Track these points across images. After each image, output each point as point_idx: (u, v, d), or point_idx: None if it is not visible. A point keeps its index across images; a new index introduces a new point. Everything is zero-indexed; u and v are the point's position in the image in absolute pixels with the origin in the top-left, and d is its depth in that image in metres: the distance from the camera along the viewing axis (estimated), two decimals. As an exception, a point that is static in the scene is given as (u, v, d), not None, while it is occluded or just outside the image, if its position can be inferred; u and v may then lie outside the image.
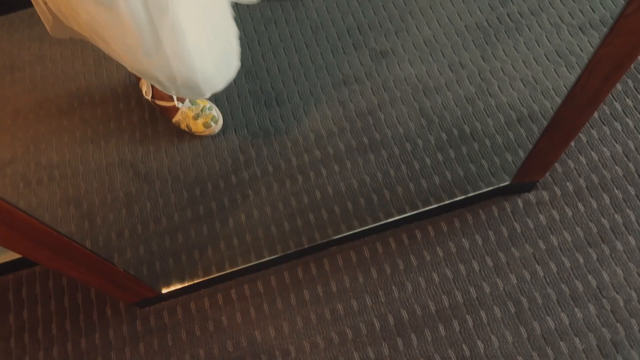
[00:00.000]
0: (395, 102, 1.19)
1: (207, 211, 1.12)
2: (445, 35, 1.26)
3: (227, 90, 1.24)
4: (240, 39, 1.31)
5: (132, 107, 1.25)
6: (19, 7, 1.43)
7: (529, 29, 1.25)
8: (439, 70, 1.22)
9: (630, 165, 1.08)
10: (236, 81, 1.25)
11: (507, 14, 1.27)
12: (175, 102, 1.15)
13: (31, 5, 1.46)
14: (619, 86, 1.16)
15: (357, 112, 1.19)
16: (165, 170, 1.17)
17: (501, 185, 1.05)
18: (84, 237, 1.11)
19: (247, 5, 1.32)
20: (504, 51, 1.23)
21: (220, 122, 1.18)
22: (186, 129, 1.18)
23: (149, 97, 1.15)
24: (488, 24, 1.27)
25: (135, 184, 1.16)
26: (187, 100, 1.17)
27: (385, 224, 1.05)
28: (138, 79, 1.17)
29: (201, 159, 1.17)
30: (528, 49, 1.22)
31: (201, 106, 1.17)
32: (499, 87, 1.18)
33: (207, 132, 1.17)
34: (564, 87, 1.16)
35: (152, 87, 1.14)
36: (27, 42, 1.39)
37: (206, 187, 1.14)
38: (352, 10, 1.32)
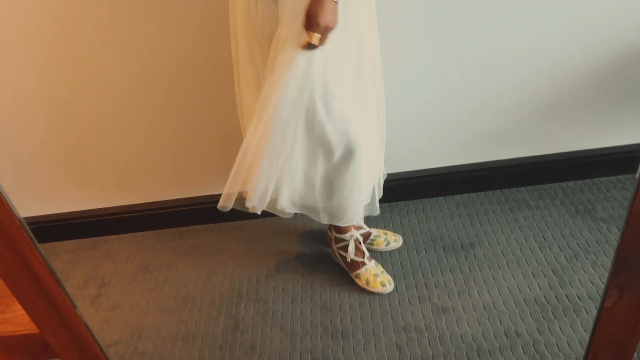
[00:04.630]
0: (449, 356, 1.27)
1: None
2: (504, 304, 1.39)
3: (302, 318, 1.44)
4: (319, 273, 1.56)
5: (222, 318, 1.48)
6: (160, 226, 1.87)
7: (587, 312, 1.33)
8: (494, 335, 1.31)
9: None
10: (311, 310, 1.45)
11: (566, 295, 1.38)
12: (365, 260, 1.50)
13: (165, 226, 1.88)
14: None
15: (412, 359, 1.28)
16: (233, 377, 1.31)
17: None
18: None
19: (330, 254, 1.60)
20: (560, 328, 1.30)
21: (392, 286, 1.48)
22: (364, 283, 1.47)
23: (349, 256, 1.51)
24: (546, 300, 1.38)
25: (204, 385, 1.31)
26: (373, 261, 1.51)
27: None
28: (329, 242, 1.58)
29: (265, 373, 1.31)
30: (585, 331, 1.28)
31: (381, 269, 1.50)
32: (552, 361, 1.23)
33: (380, 290, 1.46)
34: (620, 374, 1.17)
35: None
36: (163, 252, 1.78)
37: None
38: (423, 268, 1.53)
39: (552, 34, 1.50)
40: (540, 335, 1.29)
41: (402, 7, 1.45)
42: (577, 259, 1.49)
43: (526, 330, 1.31)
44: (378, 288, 1.46)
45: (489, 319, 1.35)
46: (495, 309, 1.38)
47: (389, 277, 1.49)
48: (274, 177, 1.23)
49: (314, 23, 1.05)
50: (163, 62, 1.53)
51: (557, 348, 1.25)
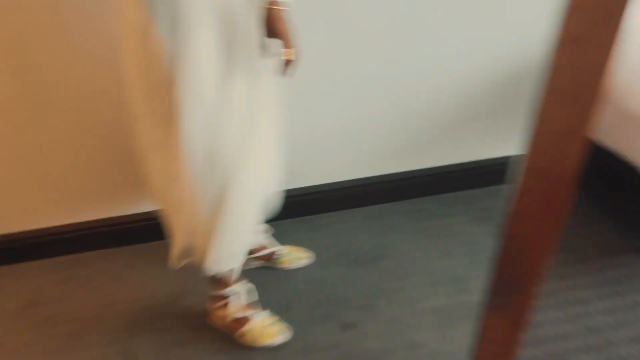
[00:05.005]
0: (352, 375, 1.25)
1: None
2: (407, 315, 1.38)
3: (203, 346, 1.36)
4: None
5: (115, 356, 1.37)
6: (50, 255, 1.73)
7: (485, 318, 1.35)
8: (397, 348, 1.30)
9: None
10: (211, 339, 1.38)
11: (466, 303, 1.41)
12: (250, 314, 1.32)
13: (56, 254, 1.74)
14: None
15: (315, 380, 1.25)
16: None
17: None
18: None
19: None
20: (460, 337, 1.31)
21: (288, 334, 1.34)
22: (251, 341, 1.31)
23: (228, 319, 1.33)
24: (447, 309, 1.39)
25: None
26: (262, 312, 1.35)
27: None
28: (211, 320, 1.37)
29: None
30: (483, 337, 1.30)
31: (273, 319, 1.34)
32: (452, 371, 1.23)
33: (269, 342, 1.31)
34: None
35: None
36: (54, 283, 1.63)
37: None
38: (330, 284, 1.50)
39: (449, 55, 1.54)
40: (442, 344, 1.30)
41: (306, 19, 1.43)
42: (477, 266, 1.52)
43: (428, 340, 1.31)
44: (266, 342, 1.31)
45: (392, 332, 1.34)
46: (400, 321, 1.37)
47: (284, 325, 1.34)
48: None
49: (287, 38, 0.96)
50: (45, 89, 1.41)
51: (456, 357, 1.26)
